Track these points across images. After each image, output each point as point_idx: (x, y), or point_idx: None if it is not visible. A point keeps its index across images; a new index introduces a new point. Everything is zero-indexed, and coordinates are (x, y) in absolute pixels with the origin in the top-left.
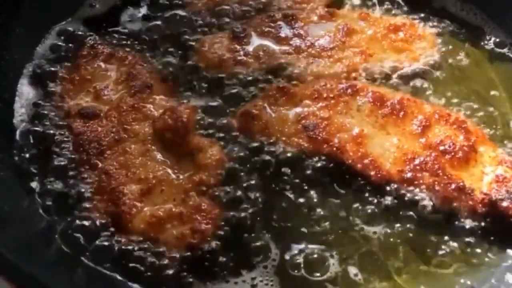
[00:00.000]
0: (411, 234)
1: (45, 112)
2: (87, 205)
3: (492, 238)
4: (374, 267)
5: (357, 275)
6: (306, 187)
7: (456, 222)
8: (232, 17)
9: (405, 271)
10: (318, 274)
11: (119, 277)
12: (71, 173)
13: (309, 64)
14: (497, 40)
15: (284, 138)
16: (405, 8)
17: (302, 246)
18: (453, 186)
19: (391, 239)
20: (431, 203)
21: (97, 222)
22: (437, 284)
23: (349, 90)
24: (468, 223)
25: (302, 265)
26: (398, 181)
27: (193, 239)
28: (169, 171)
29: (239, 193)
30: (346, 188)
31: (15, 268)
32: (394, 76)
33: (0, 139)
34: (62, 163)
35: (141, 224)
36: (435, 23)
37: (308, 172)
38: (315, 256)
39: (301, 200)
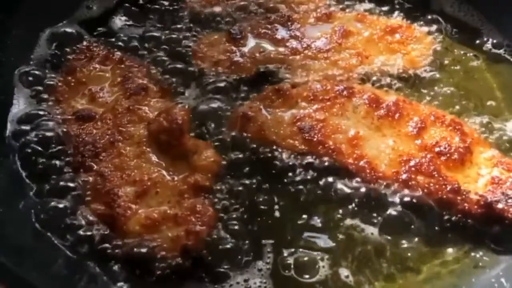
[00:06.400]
0: (406, 237)
1: (41, 114)
2: (82, 207)
3: (487, 240)
4: (366, 270)
5: (348, 277)
6: (301, 188)
7: (452, 225)
8: (229, 18)
9: (398, 273)
10: (307, 276)
11: (114, 279)
12: (66, 175)
13: (305, 66)
14: (494, 41)
15: (279, 140)
16: (402, 10)
17: (296, 248)
18: (448, 187)
19: (385, 242)
20: (425, 206)
21: (92, 224)
22: (430, 286)
23: (345, 92)
24: (463, 226)
25: (293, 268)
26: (393, 182)
27: (188, 241)
28: (164, 173)
29: (234, 194)
30: (341, 189)
31: (7, 270)
32: (390, 77)
33: None
34: (57, 165)
35: (136, 226)
36: (432, 25)
37: (304, 173)
38: (306, 258)
39: (296, 201)
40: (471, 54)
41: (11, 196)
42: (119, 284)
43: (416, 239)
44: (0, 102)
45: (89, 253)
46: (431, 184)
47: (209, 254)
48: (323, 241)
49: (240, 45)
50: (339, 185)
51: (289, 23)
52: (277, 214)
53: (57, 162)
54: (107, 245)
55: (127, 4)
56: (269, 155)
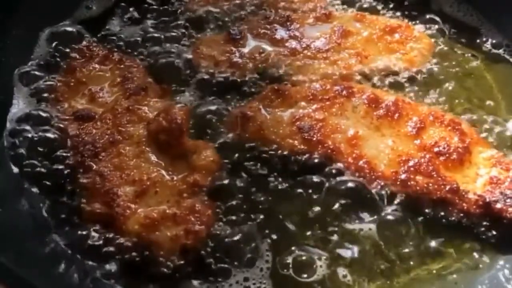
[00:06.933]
0: (404, 237)
1: (40, 114)
2: (81, 207)
3: (486, 240)
4: (364, 269)
5: (346, 276)
6: (300, 188)
7: (450, 225)
8: (228, 18)
9: (396, 273)
10: (305, 276)
11: (113, 278)
12: (65, 175)
13: (305, 66)
14: (494, 41)
15: (279, 140)
16: (401, 10)
17: (294, 247)
18: (447, 187)
19: (383, 241)
20: (424, 206)
21: (91, 224)
22: (429, 286)
23: (344, 92)
24: (462, 226)
25: (292, 267)
26: (392, 182)
27: (187, 240)
28: (163, 172)
29: (233, 194)
30: (340, 189)
31: (7, 270)
32: (389, 77)
33: None
34: (57, 165)
35: (135, 225)
36: (432, 25)
37: (303, 173)
38: (304, 258)
39: (295, 200)
40: (471, 54)
41: (10, 196)
42: (119, 283)
43: (415, 239)
44: None
45: (88, 252)
46: (430, 184)
47: (208, 253)
48: (321, 240)
49: (239, 45)
50: (338, 185)
51: (288, 23)
52: (276, 213)
53: (57, 162)
54: (106, 244)
55: (126, 4)
56: (269, 154)
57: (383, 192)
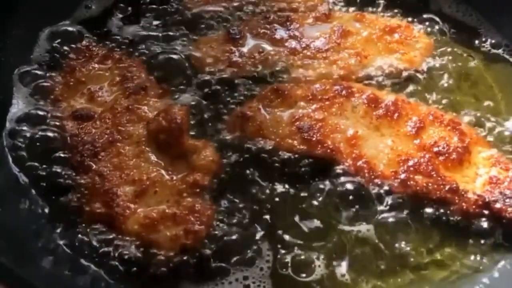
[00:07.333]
0: (403, 237)
1: (40, 114)
2: (81, 207)
3: (485, 241)
4: (363, 268)
5: (345, 276)
6: (299, 188)
7: (449, 225)
8: (228, 18)
9: (395, 273)
10: (304, 275)
11: (113, 278)
12: (65, 175)
13: (304, 66)
14: (493, 41)
15: (278, 140)
16: (401, 10)
17: (293, 246)
18: (446, 187)
19: (382, 241)
20: (423, 206)
21: (91, 223)
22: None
23: (343, 92)
24: (462, 226)
25: (290, 266)
26: (391, 182)
27: (186, 240)
28: (163, 172)
29: (232, 194)
30: (339, 189)
31: (7, 270)
32: (389, 77)
33: None
34: (56, 164)
35: (135, 225)
36: (431, 24)
37: (302, 173)
38: (303, 257)
39: (295, 200)
40: (470, 54)
41: (10, 196)
42: (118, 283)
43: (413, 239)
44: None
45: (88, 252)
46: (430, 184)
47: (208, 253)
48: (320, 240)
49: (239, 45)
50: (337, 185)
51: (288, 23)
52: (275, 213)
53: (56, 162)
54: (106, 244)
55: (125, 4)
56: (268, 154)
57: (383, 192)
